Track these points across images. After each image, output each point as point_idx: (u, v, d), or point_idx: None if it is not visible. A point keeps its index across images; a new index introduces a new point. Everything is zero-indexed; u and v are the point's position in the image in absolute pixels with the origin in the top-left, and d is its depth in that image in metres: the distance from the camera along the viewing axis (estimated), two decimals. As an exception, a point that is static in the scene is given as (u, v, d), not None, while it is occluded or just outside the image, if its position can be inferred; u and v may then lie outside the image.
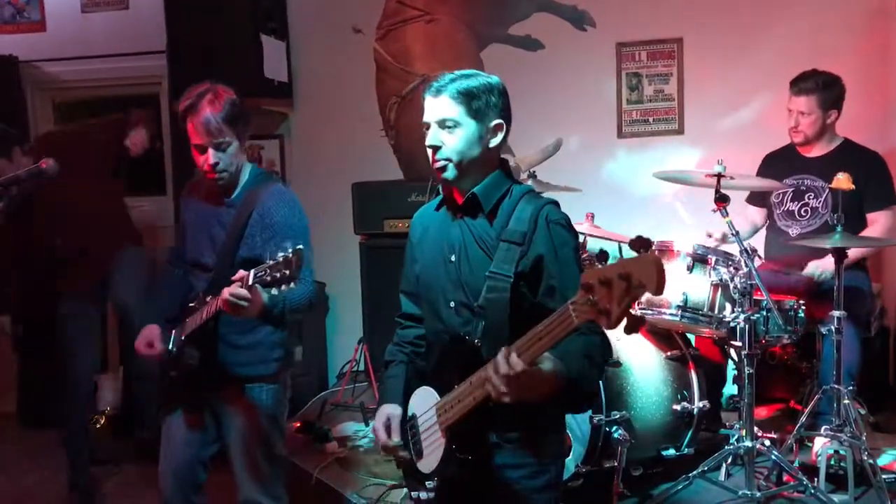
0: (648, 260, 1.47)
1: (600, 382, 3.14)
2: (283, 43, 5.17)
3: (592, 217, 4.04)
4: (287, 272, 2.23)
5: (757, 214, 4.09)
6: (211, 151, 2.59)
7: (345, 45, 5.22)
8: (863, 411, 3.52)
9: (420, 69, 5.06)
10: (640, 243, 1.52)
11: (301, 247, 2.24)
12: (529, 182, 4.04)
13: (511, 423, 1.96)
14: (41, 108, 5.75)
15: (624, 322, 1.51)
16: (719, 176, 3.30)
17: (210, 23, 4.81)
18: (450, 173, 2.00)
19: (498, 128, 2.01)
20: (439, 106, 1.97)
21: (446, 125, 1.97)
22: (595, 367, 1.87)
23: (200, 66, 4.83)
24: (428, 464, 2.03)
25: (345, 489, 3.52)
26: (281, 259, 2.25)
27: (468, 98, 1.96)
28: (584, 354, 1.84)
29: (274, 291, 2.28)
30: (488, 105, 1.98)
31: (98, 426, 4.63)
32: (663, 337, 3.55)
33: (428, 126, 2.01)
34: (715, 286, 3.34)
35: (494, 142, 2.01)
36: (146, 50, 5.27)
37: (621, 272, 1.49)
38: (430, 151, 2.00)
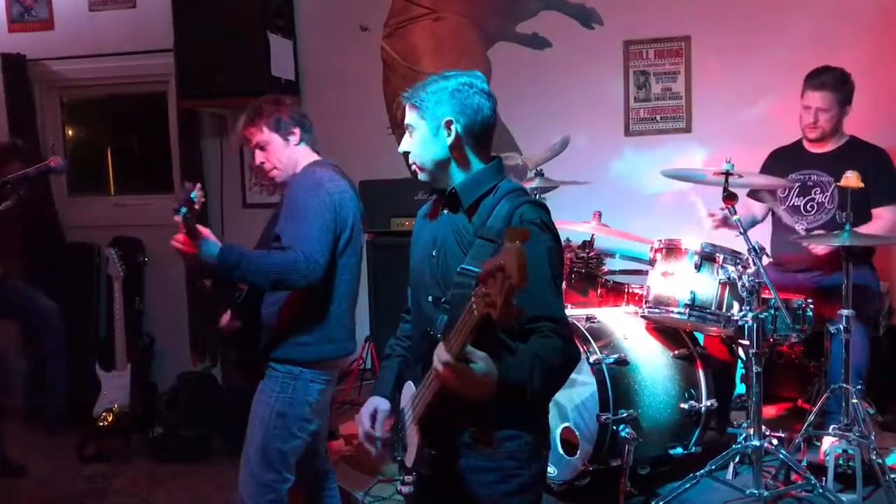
0: (512, 250, 1.50)
1: (604, 385, 3.17)
2: (290, 41, 5.17)
3: (599, 215, 4.03)
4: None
5: (756, 207, 4.07)
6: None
7: (352, 44, 5.22)
8: (871, 410, 3.50)
9: (427, 67, 5.05)
10: (514, 234, 1.55)
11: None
12: (537, 180, 4.03)
13: (477, 422, 1.96)
14: (49, 106, 5.77)
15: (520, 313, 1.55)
16: (727, 174, 3.29)
17: (217, 21, 4.83)
18: (421, 175, 2.08)
19: (447, 124, 2.01)
20: (408, 113, 2.06)
21: (408, 130, 2.06)
22: (549, 371, 1.84)
23: (208, 65, 4.85)
24: (409, 457, 2.06)
25: (352, 487, 3.52)
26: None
27: (420, 101, 2.02)
28: (535, 355, 1.83)
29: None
30: (437, 103, 2.00)
31: (105, 424, 4.63)
32: (671, 335, 3.54)
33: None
34: (723, 284, 3.32)
35: (450, 139, 2.01)
36: (154, 48, 5.29)
37: (498, 264, 1.51)
38: None
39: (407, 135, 2.07)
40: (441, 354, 1.70)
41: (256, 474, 2.78)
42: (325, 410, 3.00)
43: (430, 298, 2.05)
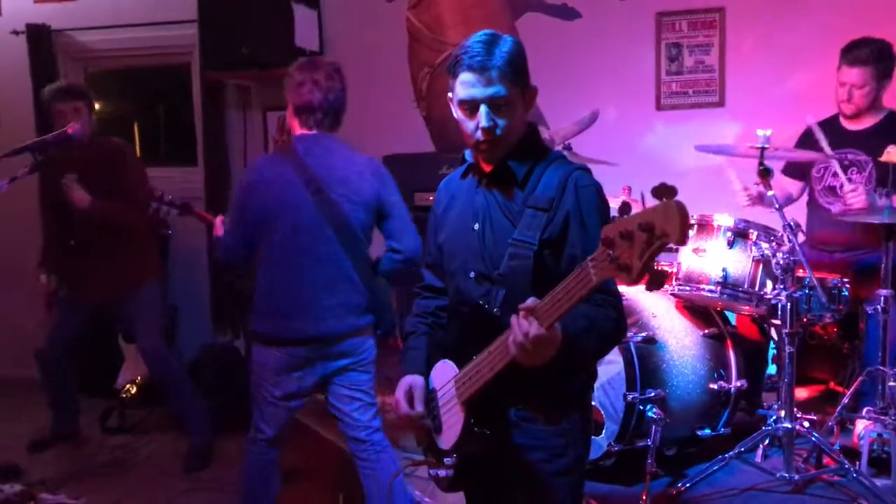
0: (672, 206, 1.36)
1: (631, 364, 3.10)
2: (315, 12, 5.11)
3: (629, 190, 3.92)
4: None
5: (792, 186, 3.95)
6: None
7: (377, 14, 5.15)
8: (908, 394, 3.41)
9: (453, 38, 4.95)
10: (664, 190, 1.45)
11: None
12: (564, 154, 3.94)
13: (529, 398, 1.90)
14: (73, 77, 5.73)
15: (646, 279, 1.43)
16: (762, 149, 3.20)
17: (241, -9, 4.77)
18: (500, 151, 1.90)
19: (534, 92, 1.92)
20: (490, 84, 1.82)
21: (499, 106, 1.84)
22: (602, 337, 1.81)
23: (231, 36, 4.81)
24: (447, 439, 1.97)
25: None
26: None
27: (515, 71, 1.84)
28: (590, 318, 1.76)
29: None
30: (526, 72, 1.89)
31: (128, 395, 4.65)
32: (700, 314, 3.46)
33: (473, 105, 1.85)
34: (756, 262, 3.25)
35: (531, 107, 1.93)
36: (178, 19, 5.25)
37: (642, 222, 1.38)
38: (479, 132, 1.85)
39: (486, 108, 1.83)
40: (532, 329, 1.62)
41: None
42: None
43: (472, 275, 1.95)
